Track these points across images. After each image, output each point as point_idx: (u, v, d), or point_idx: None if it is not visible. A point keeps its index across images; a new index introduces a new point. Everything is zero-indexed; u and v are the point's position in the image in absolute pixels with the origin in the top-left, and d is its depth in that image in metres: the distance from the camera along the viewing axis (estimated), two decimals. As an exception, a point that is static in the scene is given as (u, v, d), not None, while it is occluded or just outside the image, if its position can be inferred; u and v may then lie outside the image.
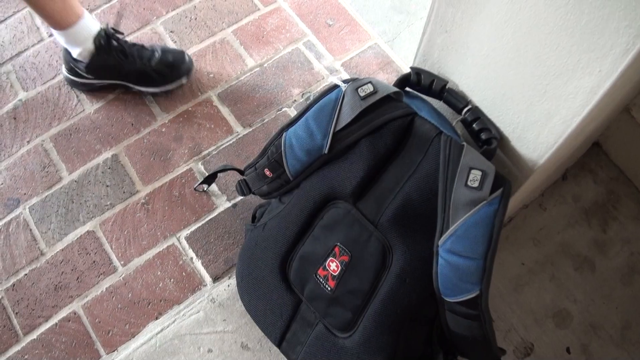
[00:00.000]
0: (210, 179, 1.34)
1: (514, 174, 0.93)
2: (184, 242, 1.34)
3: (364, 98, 0.94)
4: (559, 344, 1.23)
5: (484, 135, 0.90)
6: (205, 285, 1.30)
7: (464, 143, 0.87)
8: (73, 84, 1.50)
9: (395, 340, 0.98)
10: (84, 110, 1.49)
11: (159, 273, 1.31)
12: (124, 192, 1.40)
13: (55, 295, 1.29)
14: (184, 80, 1.51)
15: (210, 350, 1.23)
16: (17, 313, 1.28)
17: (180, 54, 1.50)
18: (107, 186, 1.40)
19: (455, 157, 0.86)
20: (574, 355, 1.22)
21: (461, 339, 0.95)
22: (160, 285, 1.30)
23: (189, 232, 1.35)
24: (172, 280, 1.30)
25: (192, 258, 1.32)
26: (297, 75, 1.53)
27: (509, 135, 0.87)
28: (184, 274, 1.31)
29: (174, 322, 1.25)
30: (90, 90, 1.51)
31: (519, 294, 1.27)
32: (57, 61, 1.56)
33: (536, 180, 1.03)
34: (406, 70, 1.06)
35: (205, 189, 1.39)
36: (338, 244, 1.03)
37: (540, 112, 0.78)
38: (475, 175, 0.84)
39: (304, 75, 1.53)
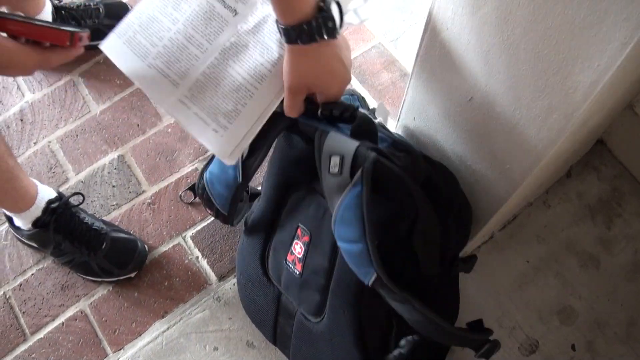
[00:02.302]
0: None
1: (515, 171, 0.93)
2: (190, 242, 1.35)
3: None
4: (564, 341, 1.23)
5: (345, 114, 0.89)
6: (211, 284, 1.30)
7: (329, 131, 0.87)
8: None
9: (357, 314, 0.97)
10: (90, 111, 1.50)
11: (164, 272, 1.32)
12: (130, 192, 1.41)
13: (62, 294, 1.30)
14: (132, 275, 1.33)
15: (216, 349, 1.23)
16: (24, 312, 1.29)
17: (133, 242, 1.33)
18: (114, 186, 1.41)
19: (320, 147, 0.87)
20: (579, 352, 1.22)
21: (416, 326, 0.90)
22: (166, 284, 1.31)
23: (194, 231, 1.36)
24: (177, 279, 1.31)
25: (197, 257, 1.33)
26: (301, 75, 1.54)
27: (510, 131, 0.87)
28: (189, 273, 1.32)
29: (180, 320, 1.26)
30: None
31: (524, 291, 1.27)
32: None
33: (539, 177, 1.03)
34: (410, 69, 1.07)
35: (191, 199, 1.39)
36: (299, 224, 1.03)
37: (540, 107, 0.78)
38: (334, 161, 0.83)
39: (308, 75, 1.54)
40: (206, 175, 1.08)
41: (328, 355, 1.04)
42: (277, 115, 0.91)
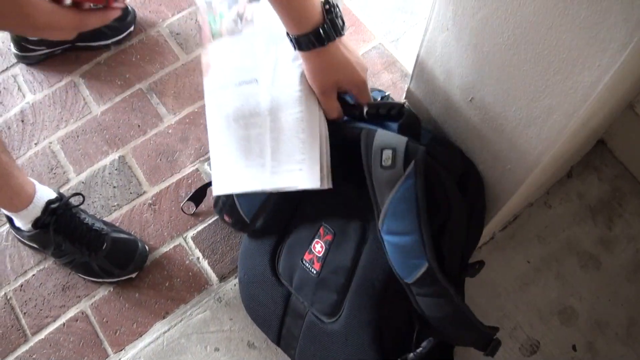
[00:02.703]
0: (199, 197, 1.35)
1: (516, 172, 0.93)
2: (191, 242, 1.35)
3: None
4: (564, 341, 1.23)
5: (393, 111, 0.93)
6: (212, 285, 1.30)
7: (377, 128, 0.89)
8: None
9: (377, 315, 0.99)
10: (90, 112, 1.51)
11: (165, 273, 1.32)
12: (130, 193, 1.41)
13: (63, 295, 1.31)
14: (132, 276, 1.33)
15: (217, 349, 1.23)
16: (25, 313, 1.29)
17: (133, 243, 1.33)
18: (114, 187, 1.42)
19: (370, 143, 0.88)
20: (579, 352, 1.22)
21: (440, 323, 0.94)
22: (167, 284, 1.31)
23: (195, 232, 1.36)
24: (178, 279, 1.31)
25: (198, 258, 1.33)
26: (302, 76, 1.54)
27: (511, 132, 0.87)
28: (190, 273, 1.32)
29: (181, 321, 1.26)
30: None
31: (524, 291, 1.27)
32: (63, 64, 1.57)
33: (540, 177, 1.03)
34: (410, 69, 1.07)
35: (193, 210, 1.39)
36: (323, 223, 1.04)
37: (541, 107, 0.78)
38: (387, 155, 0.86)
39: (309, 75, 1.54)
40: (239, 198, 1.09)
41: (340, 356, 1.04)
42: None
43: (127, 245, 1.31)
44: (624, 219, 1.33)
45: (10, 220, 1.29)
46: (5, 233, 1.36)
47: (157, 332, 1.26)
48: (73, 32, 0.75)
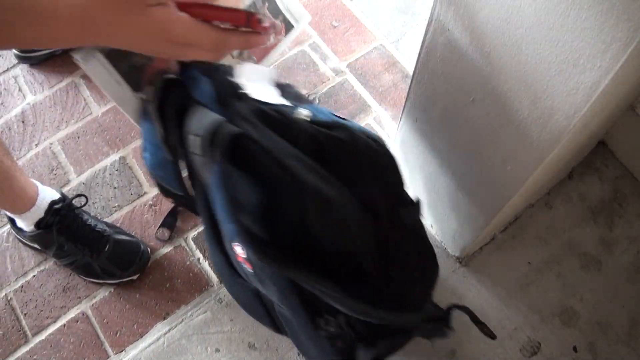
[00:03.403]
0: (171, 222, 1.35)
1: (517, 173, 0.93)
2: (191, 243, 1.35)
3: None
4: (565, 342, 1.23)
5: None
6: (212, 286, 1.30)
7: (200, 107, 0.81)
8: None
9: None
10: (91, 113, 1.51)
11: (166, 274, 1.32)
12: (131, 194, 1.41)
13: (63, 296, 1.30)
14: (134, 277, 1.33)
15: (217, 350, 1.23)
16: (25, 314, 1.29)
17: (135, 244, 1.33)
18: (115, 188, 1.42)
19: (185, 126, 0.82)
20: (581, 353, 1.22)
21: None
22: (168, 285, 1.31)
23: (196, 233, 1.36)
24: (179, 280, 1.31)
25: (199, 259, 1.33)
26: (303, 77, 1.54)
27: (512, 132, 0.87)
28: (191, 274, 1.32)
29: (181, 322, 1.26)
30: None
31: (525, 292, 1.27)
32: (64, 65, 1.57)
33: (541, 178, 1.03)
34: (411, 70, 1.07)
35: (167, 236, 1.36)
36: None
37: (542, 108, 0.78)
38: (194, 142, 0.78)
39: (310, 76, 1.54)
40: (151, 170, 1.00)
41: (302, 337, 0.99)
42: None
43: (130, 247, 1.31)
44: (625, 219, 1.33)
45: (12, 221, 1.29)
46: (5, 234, 1.36)
47: (158, 333, 1.26)
48: (212, 50, 0.68)
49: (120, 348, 1.26)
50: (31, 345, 1.27)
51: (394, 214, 0.90)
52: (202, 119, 0.79)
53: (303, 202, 0.79)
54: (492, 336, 0.89)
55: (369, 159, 0.87)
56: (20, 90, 1.54)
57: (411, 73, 1.07)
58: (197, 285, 1.30)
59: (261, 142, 0.78)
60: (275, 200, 0.79)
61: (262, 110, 0.83)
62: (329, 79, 1.54)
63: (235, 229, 0.78)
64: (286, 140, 0.80)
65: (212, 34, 0.66)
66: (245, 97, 0.84)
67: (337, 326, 0.89)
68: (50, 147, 1.47)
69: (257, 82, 0.89)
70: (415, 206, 0.97)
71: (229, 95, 0.82)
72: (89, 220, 1.28)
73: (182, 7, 0.64)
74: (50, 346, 1.26)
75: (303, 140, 0.82)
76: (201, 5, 0.66)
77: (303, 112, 0.85)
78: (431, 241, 1.27)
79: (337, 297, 0.79)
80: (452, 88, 0.95)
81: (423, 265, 0.98)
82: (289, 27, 0.92)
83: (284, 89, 0.95)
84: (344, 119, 0.89)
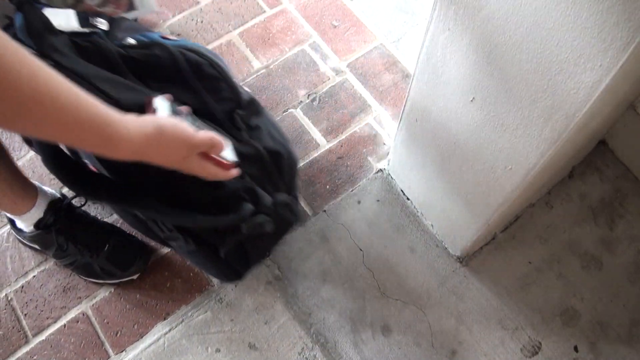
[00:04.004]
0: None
1: (518, 172, 0.93)
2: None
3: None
4: (566, 342, 1.23)
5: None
6: (213, 286, 1.30)
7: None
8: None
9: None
10: (91, 113, 1.50)
11: (166, 273, 1.32)
12: (131, 194, 1.41)
13: (63, 296, 1.30)
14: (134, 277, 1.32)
15: (218, 350, 1.23)
16: (25, 314, 1.29)
17: (136, 244, 1.33)
18: (115, 188, 1.41)
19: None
20: (581, 353, 1.22)
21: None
22: (168, 285, 1.30)
23: (196, 233, 1.36)
24: (179, 280, 1.31)
25: (199, 259, 1.33)
26: (303, 77, 1.54)
27: (513, 132, 0.87)
28: (191, 274, 1.31)
29: (182, 322, 1.26)
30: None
31: (526, 292, 1.27)
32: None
33: (541, 178, 1.03)
34: (412, 69, 1.07)
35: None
36: None
37: (542, 108, 0.78)
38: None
39: (310, 76, 1.54)
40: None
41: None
42: None
43: (130, 246, 1.31)
44: (626, 219, 1.33)
45: (11, 222, 1.28)
46: (5, 234, 1.36)
47: (158, 333, 1.26)
48: (184, 164, 0.79)
49: (120, 348, 1.26)
50: (31, 345, 1.26)
51: (233, 119, 1.00)
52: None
53: None
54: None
55: (194, 70, 0.98)
56: (20, 90, 1.54)
57: (411, 73, 1.07)
58: (197, 285, 1.30)
59: (74, 69, 0.86)
60: None
61: (75, 42, 0.93)
62: (329, 79, 1.54)
63: None
64: (101, 65, 0.90)
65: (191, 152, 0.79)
66: (57, 32, 0.92)
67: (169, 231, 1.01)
68: (50, 147, 1.46)
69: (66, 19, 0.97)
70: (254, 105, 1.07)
71: (41, 29, 0.91)
72: (89, 221, 1.28)
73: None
74: (51, 346, 1.26)
75: (116, 62, 0.93)
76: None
77: (129, 40, 0.97)
78: (431, 241, 1.27)
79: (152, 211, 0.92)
80: (452, 88, 0.95)
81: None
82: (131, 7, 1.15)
83: (118, 24, 1.02)
84: (169, 39, 1.01)
